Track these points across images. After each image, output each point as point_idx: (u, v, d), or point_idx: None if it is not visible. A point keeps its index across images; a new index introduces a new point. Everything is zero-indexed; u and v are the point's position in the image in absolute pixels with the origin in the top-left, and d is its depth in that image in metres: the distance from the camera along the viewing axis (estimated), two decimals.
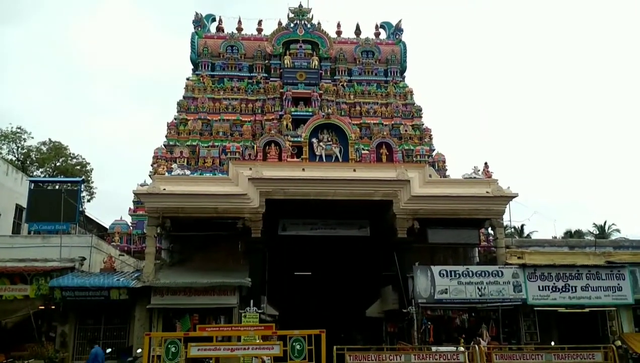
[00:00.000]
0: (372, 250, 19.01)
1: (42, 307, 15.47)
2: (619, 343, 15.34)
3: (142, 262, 17.20)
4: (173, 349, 9.93)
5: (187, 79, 25.78)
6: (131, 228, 21.02)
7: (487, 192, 16.97)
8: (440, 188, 17.18)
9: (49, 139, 33.76)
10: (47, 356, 14.65)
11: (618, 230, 37.89)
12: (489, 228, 18.05)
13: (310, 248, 18.92)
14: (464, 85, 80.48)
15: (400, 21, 28.45)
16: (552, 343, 15.40)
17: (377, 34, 28.38)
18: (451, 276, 15.93)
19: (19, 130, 33.12)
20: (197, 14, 27.60)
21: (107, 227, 21.70)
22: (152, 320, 15.70)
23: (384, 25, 28.79)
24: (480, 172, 18.13)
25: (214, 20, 28.30)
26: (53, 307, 15.58)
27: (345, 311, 20.89)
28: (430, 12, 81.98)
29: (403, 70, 27.34)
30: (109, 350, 15.08)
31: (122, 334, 15.94)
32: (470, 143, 67.58)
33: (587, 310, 16.06)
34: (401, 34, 28.21)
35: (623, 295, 16.20)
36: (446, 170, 23.37)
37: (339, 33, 28.16)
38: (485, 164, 18.52)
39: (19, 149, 33.32)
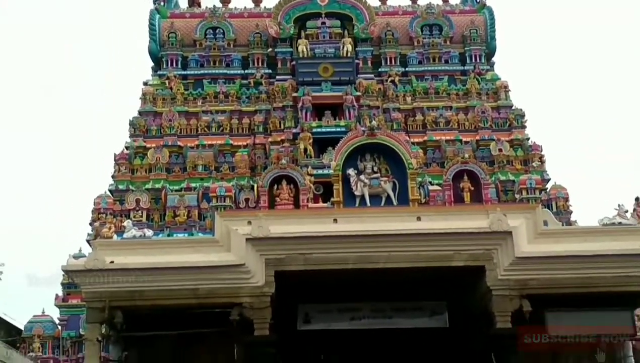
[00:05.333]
0: (452, 348, 18.62)
1: None
2: None
3: None
4: None
5: (145, 84, 26.19)
6: (59, 328, 20.95)
7: None
8: (563, 244, 16.74)
9: None
10: None
11: None
12: None
13: (351, 350, 18.67)
14: (585, 72, 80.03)
15: None
16: None
17: None
18: None
19: None
20: None
21: (22, 327, 21.68)
22: None
23: None
24: (628, 214, 17.66)
25: None
26: None
27: None
28: None
29: (491, 53, 27.41)
30: None
31: None
32: (606, 166, 66.62)
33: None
34: None
35: None
36: (571, 212, 23.07)
37: None
38: (637, 199, 18.09)
39: None
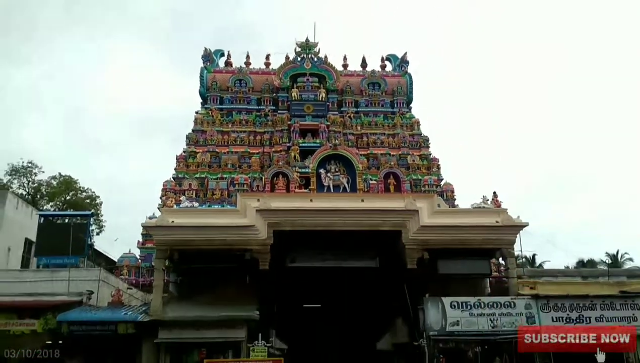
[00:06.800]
0: (382, 281, 18.72)
1: (50, 342, 15.31)
2: None
3: (150, 295, 17.11)
4: None
5: (197, 113, 26.17)
6: (140, 261, 21.05)
7: (497, 222, 16.77)
8: (449, 218, 17.04)
9: (59, 173, 34.14)
10: None
11: (631, 259, 37.51)
12: (500, 259, 17.84)
13: (320, 280, 18.64)
14: (470, 114, 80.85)
15: (405, 53, 28.93)
16: None
17: (383, 66, 28.80)
18: (462, 307, 15.65)
19: (30, 165, 33.54)
20: (206, 49, 28.17)
21: (116, 260, 21.77)
22: (160, 355, 15.49)
23: (390, 58, 29.22)
24: (489, 202, 18.00)
25: (222, 55, 28.88)
26: (60, 342, 15.42)
27: (355, 344, 20.52)
28: (436, 42, 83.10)
29: (409, 101, 27.59)
30: None
31: None
32: (478, 172, 67.33)
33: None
34: (407, 66, 28.60)
35: (638, 326, 15.81)
36: (455, 200, 23.31)
37: (345, 66, 28.58)
38: (494, 193, 18.40)
39: (30, 183, 33.66)
